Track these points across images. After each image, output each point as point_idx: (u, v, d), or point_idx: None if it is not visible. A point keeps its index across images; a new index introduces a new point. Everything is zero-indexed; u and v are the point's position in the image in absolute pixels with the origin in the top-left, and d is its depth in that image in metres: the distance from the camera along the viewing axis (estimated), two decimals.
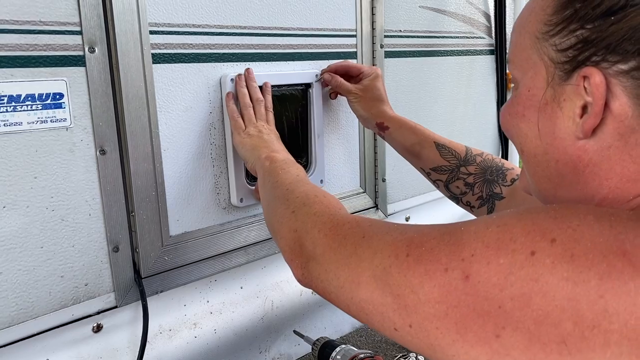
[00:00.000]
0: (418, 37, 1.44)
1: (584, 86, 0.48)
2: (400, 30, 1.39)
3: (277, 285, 1.19)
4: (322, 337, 1.08)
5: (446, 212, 1.65)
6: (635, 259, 0.38)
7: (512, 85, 0.60)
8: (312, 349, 1.07)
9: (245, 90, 1.00)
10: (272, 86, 1.06)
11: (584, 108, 0.49)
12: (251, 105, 1.00)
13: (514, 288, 0.40)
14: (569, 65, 0.50)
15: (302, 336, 1.12)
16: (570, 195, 0.54)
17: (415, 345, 0.48)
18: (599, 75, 0.47)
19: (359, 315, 0.55)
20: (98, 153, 0.86)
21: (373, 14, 1.28)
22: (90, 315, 0.90)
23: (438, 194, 1.62)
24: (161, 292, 0.97)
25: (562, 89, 0.51)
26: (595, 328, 0.37)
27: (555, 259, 0.40)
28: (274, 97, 1.06)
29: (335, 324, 1.29)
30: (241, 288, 1.13)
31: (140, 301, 0.93)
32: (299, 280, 0.68)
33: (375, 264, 0.52)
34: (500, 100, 1.78)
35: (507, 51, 0.61)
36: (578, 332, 0.38)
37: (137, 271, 0.94)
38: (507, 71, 1.78)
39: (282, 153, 0.92)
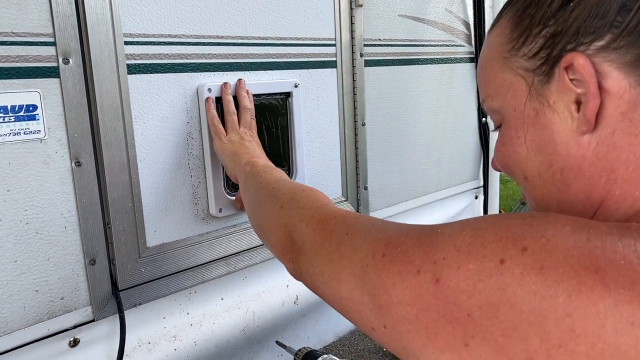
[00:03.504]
0: (398, 45, 1.45)
1: (570, 79, 0.48)
2: (380, 39, 1.39)
3: (258, 295, 1.18)
4: (304, 347, 1.07)
5: (428, 219, 1.66)
6: (608, 277, 0.36)
7: (495, 126, 0.59)
8: (294, 359, 1.06)
9: (231, 98, 1.01)
10: (252, 95, 1.06)
11: (578, 103, 0.48)
12: (235, 112, 1.01)
13: (482, 296, 0.39)
14: (546, 65, 0.50)
15: (284, 347, 1.11)
16: (575, 207, 0.52)
17: (391, 346, 0.47)
18: (580, 57, 0.47)
19: (341, 312, 0.55)
20: (73, 165, 0.85)
21: (352, 23, 1.29)
22: (66, 330, 0.88)
23: (420, 201, 1.63)
24: (139, 304, 0.96)
25: (547, 92, 0.50)
26: (562, 348, 0.36)
27: (524, 269, 0.38)
28: (254, 106, 1.05)
29: (318, 333, 1.28)
30: (222, 299, 1.12)
31: (118, 314, 0.92)
32: (292, 275, 0.67)
33: (355, 262, 0.51)
34: (481, 107, 1.79)
35: (479, 98, 0.61)
36: (544, 350, 0.36)
37: (114, 284, 0.92)
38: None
39: (262, 159, 0.92)
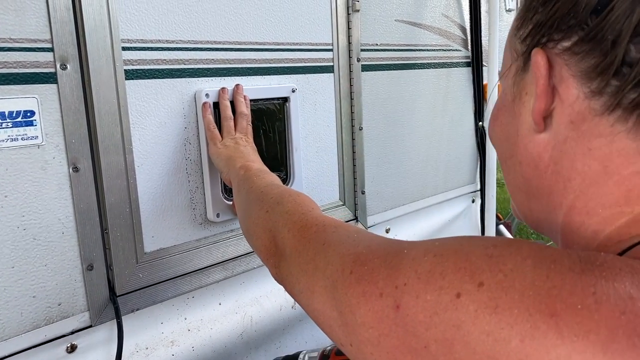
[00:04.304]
0: (395, 50, 1.46)
1: (532, 63, 0.47)
2: (377, 44, 1.40)
3: (256, 300, 1.18)
4: (278, 357, 1.06)
5: (426, 223, 1.66)
6: (562, 322, 0.33)
7: None
8: None
9: (228, 103, 1.02)
10: (250, 100, 1.06)
11: (535, 83, 0.47)
12: (232, 117, 1.01)
13: (438, 330, 0.37)
14: (527, 54, 0.48)
15: None
16: (541, 207, 0.50)
17: None
18: (540, 55, 0.45)
19: (316, 323, 0.53)
20: (71, 170, 0.85)
21: (349, 28, 1.29)
22: (64, 336, 0.88)
23: (417, 205, 1.63)
24: (137, 310, 0.96)
25: (523, 81, 0.49)
26: None
27: (479, 306, 0.36)
28: (251, 111, 1.06)
29: (316, 338, 1.28)
30: (219, 304, 1.12)
31: (115, 320, 0.92)
32: (275, 280, 0.67)
33: (327, 275, 0.50)
34: (478, 111, 1.80)
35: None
36: None
37: (112, 289, 0.92)
38: (484, 82, 1.80)
39: (257, 163, 0.92)
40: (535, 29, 0.47)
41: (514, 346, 0.34)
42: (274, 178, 0.85)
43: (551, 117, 0.46)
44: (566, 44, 0.44)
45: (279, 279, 0.65)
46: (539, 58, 0.45)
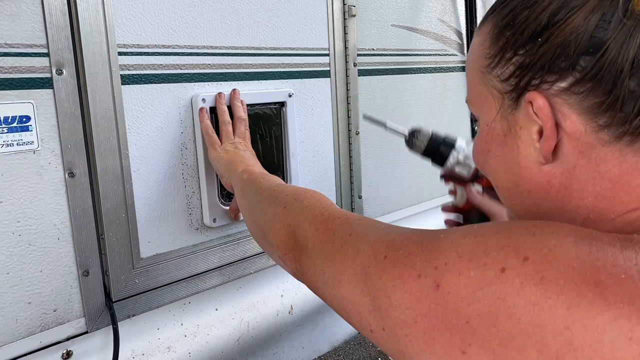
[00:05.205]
0: (391, 55, 1.46)
1: (533, 111, 0.48)
2: (373, 49, 1.40)
3: (253, 306, 1.18)
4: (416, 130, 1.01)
5: (423, 227, 1.66)
6: (607, 291, 0.35)
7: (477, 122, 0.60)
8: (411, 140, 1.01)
9: (225, 108, 1.02)
10: (246, 105, 1.06)
11: (541, 132, 0.49)
12: (230, 122, 1.01)
13: (481, 304, 0.39)
14: (515, 93, 0.50)
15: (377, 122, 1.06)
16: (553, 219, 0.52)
17: (389, 350, 0.47)
18: (540, 98, 0.47)
19: (340, 313, 0.54)
20: (67, 176, 0.85)
21: (346, 33, 1.29)
22: (59, 342, 0.88)
23: (415, 209, 1.63)
24: (133, 315, 0.96)
25: (514, 117, 0.51)
26: None
27: (524, 279, 0.38)
28: (248, 116, 1.05)
29: (313, 343, 1.28)
30: (216, 310, 1.12)
31: (111, 326, 0.91)
32: (293, 275, 0.67)
33: (357, 262, 0.51)
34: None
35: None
36: None
37: (107, 295, 0.92)
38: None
39: (258, 167, 0.93)
40: (520, 70, 0.49)
41: (560, 314, 0.36)
42: (279, 180, 0.85)
43: (558, 149, 0.48)
44: (563, 84, 0.46)
45: (300, 273, 0.65)
46: (540, 102, 0.47)
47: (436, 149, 1.00)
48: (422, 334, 0.42)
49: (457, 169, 1.00)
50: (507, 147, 0.52)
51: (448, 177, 1.03)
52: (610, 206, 0.47)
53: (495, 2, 0.54)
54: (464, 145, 0.99)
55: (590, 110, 0.45)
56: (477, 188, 1.00)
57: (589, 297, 0.35)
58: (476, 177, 0.99)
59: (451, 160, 0.99)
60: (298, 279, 0.66)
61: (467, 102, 0.60)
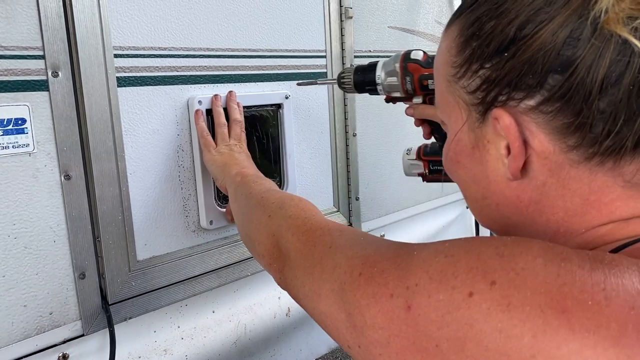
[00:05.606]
0: (388, 56, 1.46)
1: (500, 127, 0.46)
2: (370, 50, 1.40)
3: (250, 308, 1.18)
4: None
5: (420, 229, 1.66)
6: (574, 318, 0.34)
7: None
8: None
9: (221, 110, 1.01)
10: (243, 107, 1.06)
11: (509, 148, 0.47)
12: (226, 124, 1.01)
13: (450, 329, 0.38)
14: (482, 107, 0.48)
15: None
16: (524, 235, 0.51)
17: None
18: (507, 117, 0.45)
19: (321, 326, 0.54)
20: (63, 178, 0.84)
21: (342, 35, 1.29)
22: (55, 345, 0.87)
23: (412, 211, 1.63)
24: (130, 318, 0.95)
25: (482, 131, 0.49)
26: None
27: (491, 305, 0.37)
28: (244, 118, 1.05)
29: (310, 345, 1.28)
30: (213, 312, 1.11)
31: (108, 328, 0.91)
32: (278, 285, 0.66)
33: (334, 278, 0.50)
34: None
35: None
36: None
37: (104, 297, 0.92)
38: None
39: (252, 170, 0.92)
40: (487, 84, 0.47)
41: (526, 342, 0.35)
42: (271, 184, 0.85)
43: (527, 165, 0.47)
44: (530, 102, 0.44)
45: (283, 284, 0.64)
46: (507, 121, 0.45)
47: (362, 80, 1.01)
48: (395, 354, 0.42)
49: (392, 93, 0.99)
50: (476, 159, 0.51)
51: (390, 100, 1.03)
52: (580, 221, 0.46)
53: (462, 4, 0.51)
54: (381, 65, 0.98)
55: (559, 131, 0.44)
56: (416, 100, 0.97)
57: (554, 325, 0.35)
58: (413, 93, 0.96)
59: (379, 82, 0.98)
60: (283, 288, 0.65)
61: (435, 105, 0.57)
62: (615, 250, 0.42)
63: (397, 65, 0.95)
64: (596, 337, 0.34)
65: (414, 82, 0.94)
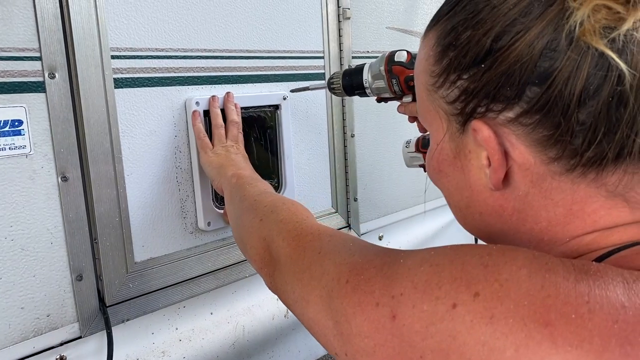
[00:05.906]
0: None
1: (480, 139, 0.46)
2: (368, 51, 1.40)
3: (248, 310, 1.17)
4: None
5: (418, 229, 1.66)
6: (557, 332, 0.34)
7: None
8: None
9: (219, 111, 1.01)
10: (241, 108, 1.05)
11: (490, 158, 0.47)
12: (223, 125, 1.01)
13: (434, 341, 0.38)
14: (461, 118, 0.48)
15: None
16: (507, 242, 0.50)
17: None
18: (486, 129, 0.45)
19: (310, 332, 0.53)
20: (59, 180, 0.84)
21: (340, 36, 1.29)
22: (52, 347, 0.87)
23: (410, 212, 1.63)
24: (127, 320, 0.95)
25: (462, 141, 0.49)
26: None
27: (475, 317, 0.36)
28: (242, 119, 1.05)
29: (309, 347, 1.27)
30: (211, 314, 1.11)
31: (105, 330, 0.91)
32: (269, 289, 0.66)
33: (323, 284, 0.50)
34: None
35: None
36: None
37: (101, 299, 0.91)
38: None
39: (248, 171, 0.92)
40: (465, 96, 0.47)
41: (508, 355, 0.34)
42: (266, 186, 0.85)
43: (509, 176, 0.47)
44: (509, 114, 0.44)
45: (274, 288, 0.64)
46: (485, 133, 0.45)
47: (350, 84, 1.01)
48: None
49: (381, 94, 0.99)
50: (458, 169, 0.51)
51: (381, 100, 1.03)
52: (564, 230, 0.46)
53: (439, 10, 0.51)
54: (367, 69, 0.99)
55: (539, 143, 0.43)
56: (406, 99, 0.98)
57: (537, 338, 0.34)
58: (402, 93, 0.97)
59: (367, 86, 0.99)
60: (273, 293, 0.65)
61: (417, 113, 0.57)
62: (600, 258, 0.42)
63: (382, 68, 0.95)
64: (579, 351, 0.33)
65: (400, 83, 0.94)
